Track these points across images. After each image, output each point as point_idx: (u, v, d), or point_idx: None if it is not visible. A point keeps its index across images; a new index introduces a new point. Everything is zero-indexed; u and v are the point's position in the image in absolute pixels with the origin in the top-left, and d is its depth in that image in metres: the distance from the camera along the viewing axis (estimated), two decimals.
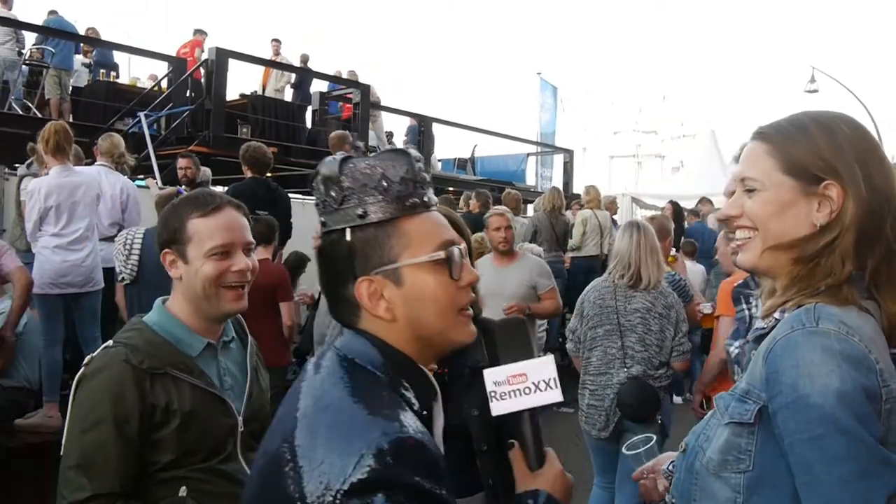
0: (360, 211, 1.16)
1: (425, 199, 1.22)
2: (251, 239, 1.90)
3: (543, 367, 1.36)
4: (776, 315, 1.27)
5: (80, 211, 5.05)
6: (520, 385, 1.35)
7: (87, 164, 6.03)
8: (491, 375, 1.36)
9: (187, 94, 10.48)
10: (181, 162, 6.89)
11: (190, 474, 1.72)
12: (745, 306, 2.86)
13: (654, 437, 1.89)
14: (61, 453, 1.69)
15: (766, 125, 1.35)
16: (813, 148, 1.26)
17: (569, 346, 4.35)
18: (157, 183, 7.42)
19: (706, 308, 5.55)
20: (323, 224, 1.22)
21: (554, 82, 20.46)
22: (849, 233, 1.22)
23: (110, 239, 5.43)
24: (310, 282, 6.93)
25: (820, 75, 21.03)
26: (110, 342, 1.77)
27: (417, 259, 1.17)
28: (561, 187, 11.94)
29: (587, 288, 4.27)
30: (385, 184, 1.17)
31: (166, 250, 1.83)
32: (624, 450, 1.91)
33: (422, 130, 13.70)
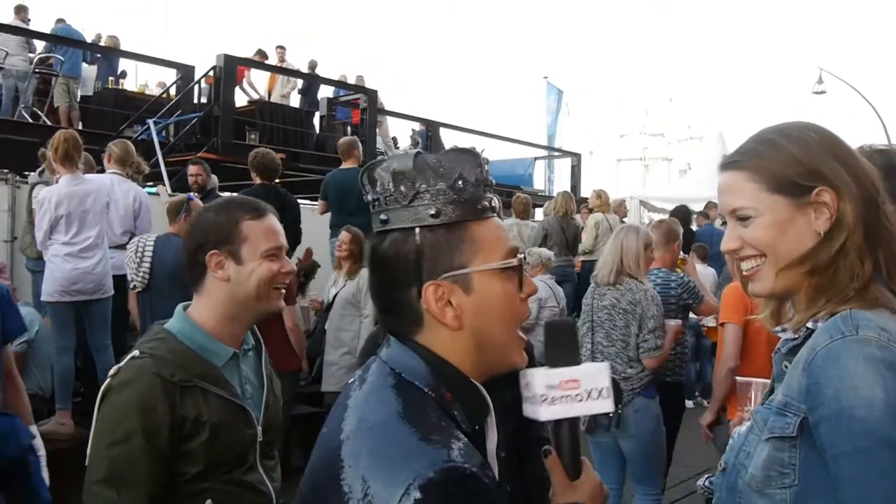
0: (432, 210, 1.10)
1: (493, 203, 1.17)
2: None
3: (598, 375, 1.30)
4: (809, 325, 1.24)
5: (90, 219, 5.06)
6: (572, 391, 1.28)
7: (98, 172, 6.03)
8: (544, 378, 1.28)
9: (195, 100, 10.51)
10: (192, 169, 6.89)
11: (215, 486, 1.71)
12: None
13: None
14: (86, 465, 1.66)
15: (731, 154, 1.34)
16: (790, 160, 1.25)
17: None
18: (167, 190, 7.43)
19: (709, 322, 5.51)
20: (383, 222, 1.14)
21: (559, 85, 20.47)
22: (857, 231, 1.21)
23: (121, 247, 5.44)
24: (319, 287, 6.92)
25: (828, 76, 20.97)
26: (136, 352, 1.74)
27: (489, 266, 1.12)
28: (569, 191, 11.92)
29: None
30: (461, 184, 1.12)
31: (214, 251, 1.80)
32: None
33: (429, 135, 13.70)
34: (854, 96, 20.45)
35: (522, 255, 1.17)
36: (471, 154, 1.16)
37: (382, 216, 1.14)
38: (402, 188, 1.12)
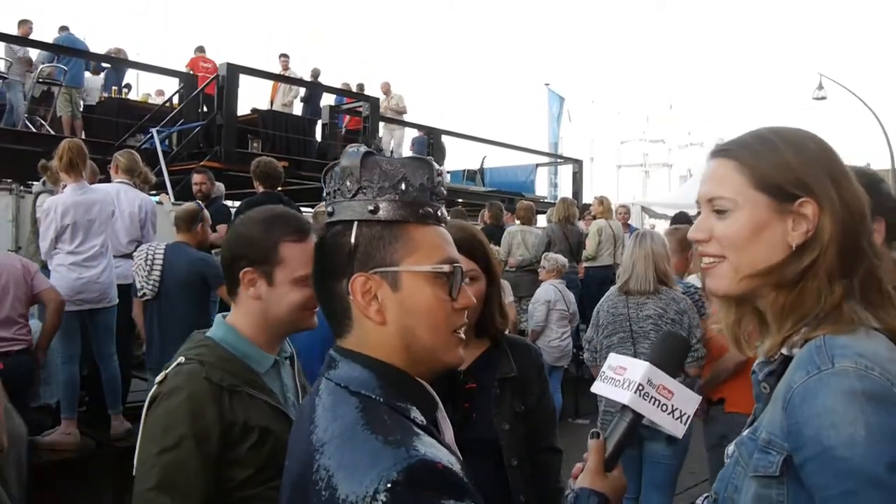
0: (371, 206, 1.13)
1: (439, 213, 1.18)
2: None
3: (689, 401, 1.38)
4: (783, 351, 1.20)
5: (95, 228, 5.06)
6: (662, 398, 1.36)
7: (101, 181, 6.05)
8: (647, 372, 1.36)
9: (199, 109, 10.55)
10: (196, 177, 6.90)
11: (261, 493, 1.70)
12: None
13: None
14: (134, 474, 1.66)
15: (726, 142, 1.29)
16: (783, 163, 1.20)
17: (586, 355, 4.47)
18: (170, 199, 7.44)
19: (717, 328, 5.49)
20: (329, 214, 1.18)
21: (561, 92, 20.51)
22: (829, 251, 1.16)
23: (127, 256, 5.44)
24: None
25: (828, 82, 21.01)
26: (181, 358, 1.74)
27: (420, 267, 1.14)
28: (570, 197, 11.94)
29: (603, 298, 4.36)
30: (403, 186, 1.14)
31: (248, 269, 1.79)
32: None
33: (431, 143, 13.73)
34: (855, 102, 20.50)
35: (459, 266, 1.18)
36: (424, 162, 1.19)
37: (329, 209, 1.18)
38: (348, 183, 1.15)
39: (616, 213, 9.62)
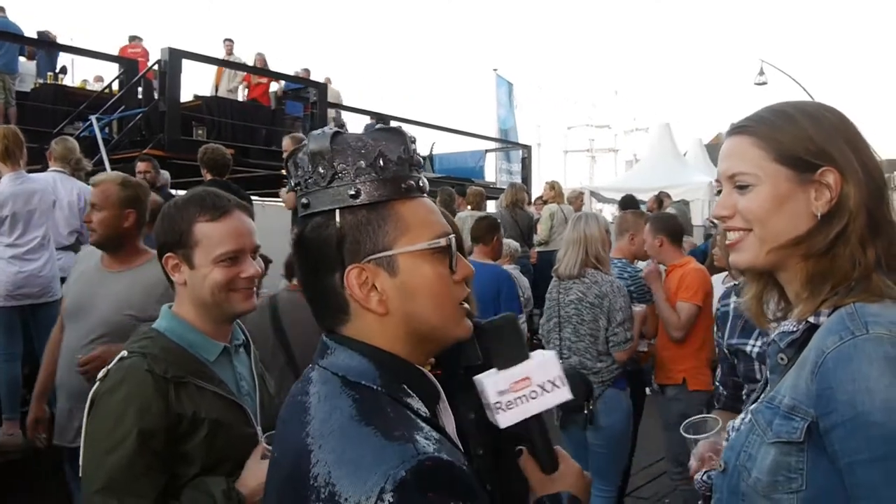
0: (352, 191, 1.05)
1: (420, 183, 1.11)
2: (258, 243, 1.83)
3: (547, 367, 1.25)
4: (810, 319, 1.19)
5: (35, 219, 4.86)
6: (525, 390, 1.23)
7: (38, 170, 5.82)
8: (493, 385, 1.23)
9: (139, 95, 10.25)
10: (140, 166, 6.71)
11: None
12: (730, 301, 2.80)
13: (720, 422, 1.76)
14: (80, 475, 1.60)
15: (742, 119, 1.29)
16: (801, 134, 1.21)
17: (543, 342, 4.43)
18: None
19: None
20: (305, 206, 1.09)
21: (509, 78, 20.53)
22: (859, 217, 1.17)
23: (68, 248, 5.25)
24: (272, 284, 6.80)
25: (769, 68, 21.50)
26: (124, 353, 1.69)
27: (416, 246, 1.07)
28: (519, 182, 11.99)
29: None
30: (381, 163, 1.06)
31: (169, 254, 1.75)
32: (682, 431, 1.81)
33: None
34: (795, 88, 21.03)
35: (452, 237, 1.11)
36: (395, 132, 1.11)
37: (304, 200, 1.09)
38: (321, 169, 1.07)
39: (569, 200, 9.69)
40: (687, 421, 1.82)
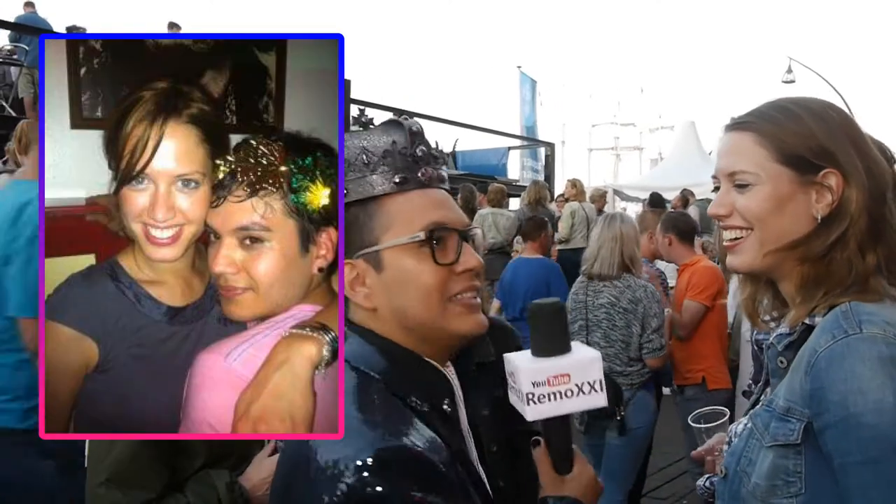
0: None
1: (419, 174, 1.10)
2: None
3: (590, 368, 1.16)
4: (806, 321, 1.17)
5: None
6: (562, 387, 1.14)
7: None
8: (528, 374, 1.14)
9: None
10: None
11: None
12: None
13: (728, 413, 1.73)
14: (86, 466, 1.62)
15: (743, 114, 1.25)
16: (806, 134, 1.17)
17: None
18: None
19: None
20: None
21: (533, 76, 20.47)
22: (860, 221, 1.14)
23: None
24: None
25: (797, 66, 21.20)
26: None
27: (397, 241, 1.07)
28: (542, 180, 11.95)
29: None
30: (365, 158, 1.07)
31: None
32: (690, 421, 1.79)
33: None
34: (823, 86, 20.73)
35: (442, 229, 1.08)
36: (391, 125, 1.11)
37: None
38: None
39: (592, 199, 9.65)
40: (695, 412, 1.80)
